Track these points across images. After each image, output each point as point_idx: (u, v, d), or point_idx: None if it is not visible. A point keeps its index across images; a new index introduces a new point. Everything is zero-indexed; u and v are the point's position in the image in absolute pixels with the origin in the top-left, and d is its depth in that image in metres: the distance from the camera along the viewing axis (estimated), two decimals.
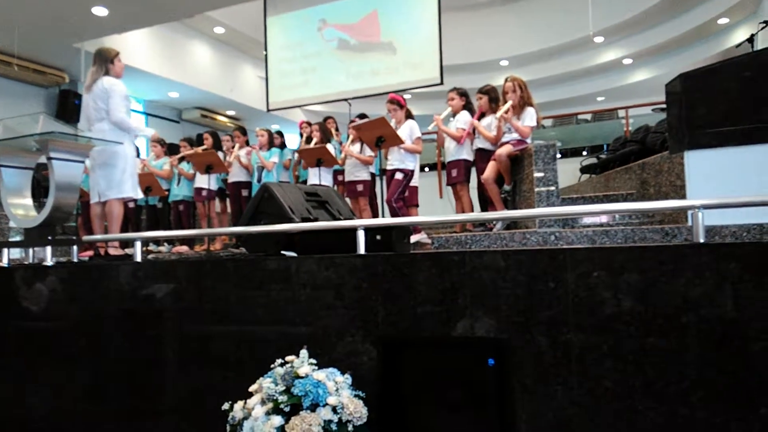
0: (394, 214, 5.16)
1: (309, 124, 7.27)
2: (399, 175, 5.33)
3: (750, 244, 2.00)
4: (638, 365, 1.97)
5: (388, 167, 5.47)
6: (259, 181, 6.70)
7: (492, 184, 4.78)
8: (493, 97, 5.16)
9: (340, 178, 6.94)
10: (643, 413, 1.96)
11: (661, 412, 1.94)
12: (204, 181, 6.75)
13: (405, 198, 5.36)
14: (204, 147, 7.00)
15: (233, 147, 7.09)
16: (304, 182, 6.80)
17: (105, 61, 4.43)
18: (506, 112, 4.70)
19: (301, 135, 7.34)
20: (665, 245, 2.17)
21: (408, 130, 5.44)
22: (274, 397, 2.14)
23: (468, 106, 5.42)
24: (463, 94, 5.44)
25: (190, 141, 7.36)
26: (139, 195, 4.85)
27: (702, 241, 2.10)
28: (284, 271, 2.55)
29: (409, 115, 5.61)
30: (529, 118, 4.66)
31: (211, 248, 6.39)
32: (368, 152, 5.97)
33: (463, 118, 5.31)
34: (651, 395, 1.95)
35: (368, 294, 2.38)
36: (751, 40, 7.08)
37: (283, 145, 7.43)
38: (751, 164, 3.15)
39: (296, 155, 7.09)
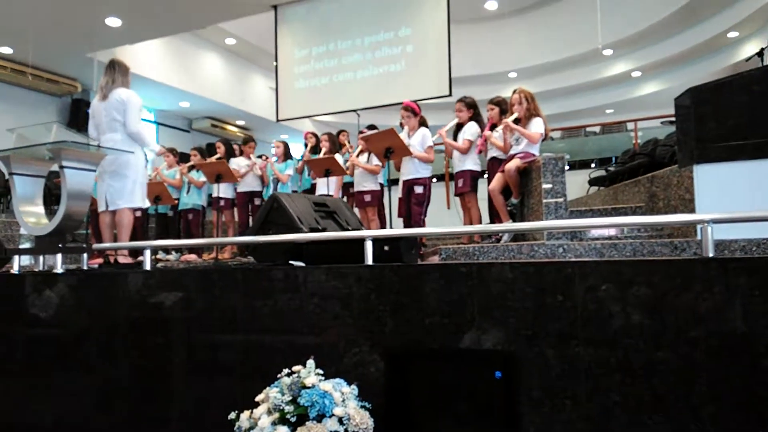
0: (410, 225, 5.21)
1: (314, 134, 7.33)
2: (419, 189, 5.37)
3: (759, 259, 1.99)
4: (647, 379, 1.96)
5: (403, 178, 5.50)
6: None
7: (498, 195, 4.78)
8: (503, 108, 5.18)
9: (351, 190, 6.97)
10: (652, 428, 1.94)
11: (670, 427, 1.92)
12: (222, 191, 6.82)
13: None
14: (218, 156, 7.07)
15: (250, 158, 7.17)
16: (306, 192, 6.85)
17: (119, 72, 4.49)
18: (512, 122, 4.71)
19: (306, 145, 7.40)
20: (674, 259, 2.17)
21: (420, 138, 5.47)
22: (281, 407, 2.14)
23: (476, 118, 5.43)
24: (470, 105, 5.45)
25: (200, 150, 7.43)
26: (147, 204, 4.91)
27: (711, 255, 2.09)
28: (292, 281, 2.55)
29: (423, 123, 5.64)
30: (536, 126, 4.66)
31: (219, 257, 6.42)
32: (374, 161, 6.01)
33: (470, 130, 5.32)
34: (660, 409, 1.94)
35: (376, 305, 2.38)
36: (760, 53, 7.08)
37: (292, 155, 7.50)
38: (760, 178, 3.13)
39: (303, 165, 7.15)
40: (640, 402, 1.96)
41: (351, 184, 6.89)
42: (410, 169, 5.45)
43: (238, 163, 7.08)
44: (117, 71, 4.50)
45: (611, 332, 2.02)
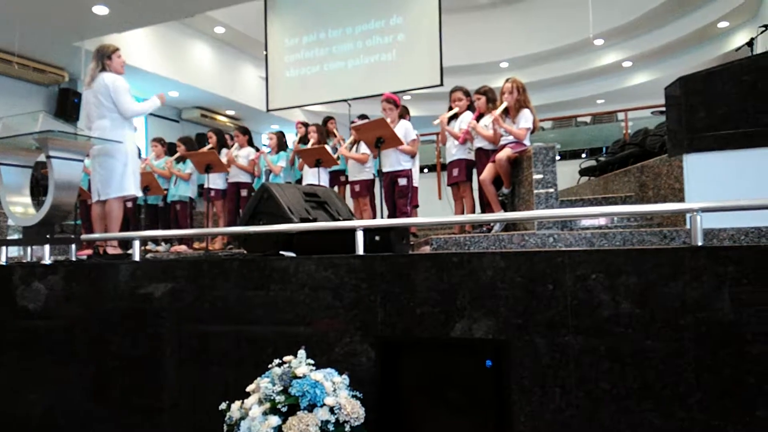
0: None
1: (305, 124, 7.29)
2: (402, 181, 5.36)
3: (748, 248, 2.00)
4: (636, 368, 1.98)
5: (385, 169, 5.49)
6: None
7: (489, 185, 4.79)
8: (490, 97, 5.17)
9: (341, 178, 6.94)
10: (641, 416, 1.96)
11: (659, 415, 1.94)
12: (212, 182, 6.78)
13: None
14: (210, 146, 7.02)
15: (232, 147, 7.11)
16: (298, 182, 6.82)
17: (102, 56, 4.45)
18: (500, 114, 4.69)
19: (297, 134, 7.36)
20: (663, 248, 2.18)
21: (403, 131, 5.47)
22: (272, 397, 2.14)
23: (471, 107, 5.44)
24: (467, 93, 5.45)
25: (186, 141, 7.36)
26: (140, 193, 4.87)
27: (700, 244, 2.10)
28: (283, 272, 2.55)
29: (402, 116, 5.63)
30: (524, 120, 4.65)
31: (210, 248, 6.39)
32: (362, 149, 5.99)
33: (467, 119, 5.32)
34: (649, 398, 1.96)
35: (367, 295, 2.38)
36: (750, 43, 7.11)
37: (285, 146, 7.45)
38: (749, 168, 3.15)
39: (293, 156, 7.10)
40: (628, 390, 1.98)
41: (339, 173, 6.87)
42: (392, 161, 5.44)
43: (247, 156, 6.99)
44: (98, 57, 4.47)
45: (601, 321, 2.03)
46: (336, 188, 6.77)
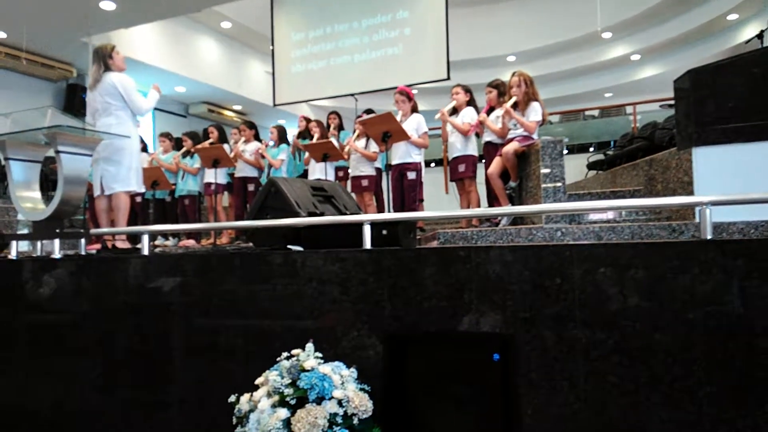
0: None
1: (306, 119, 7.28)
2: (411, 175, 5.36)
3: (757, 241, 1.99)
4: (644, 361, 1.97)
5: (394, 161, 5.48)
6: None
7: (496, 179, 4.78)
8: (502, 91, 5.16)
9: (340, 173, 6.95)
10: (649, 409, 1.96)
11: (668, 409, 1.94)
12: (212, 176, 6.78)
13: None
14: (210, 141, 7.03)
15: (238, 141, 7.12)
16: (303, 176, 6.82)
17: (104, 57, 4.48)
18: (510, 107, 4.68)
19: (299, 128, 7.38)
20: (672, 242, 2.17)
21: (415, 124, 5.46)
22: (280, 390, 2.15)
23: (471, 103, 5.42)
24: (467, 90, 5.44)
25: (191, 135, 7.37)
26: (142, 189, 4.90)
27: (709, 237, 2.09)
28: (290, 266, 2.55)
29: (414, 109, 5.62)
30: (534, 113, 4.64)
31: (217, 242, 6.41)
32: (372, 147, 5.99)
33: (470, 114, 5.31)
34: (657, 391, 1.95)
35: (374, 289, 2.39)
36: (760, 36, 7.04)
37: (286, 140, 7.45)
38: (759, 161, 3.13)
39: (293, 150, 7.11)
40: (637, 384, 1.98)
41: (338, 168, 6.86)
42: (401, 153, 5.43)
43: (250, 150, 6.99)
44: (97, 58, 4.50)
45: (609, 314, 2.03)
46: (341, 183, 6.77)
